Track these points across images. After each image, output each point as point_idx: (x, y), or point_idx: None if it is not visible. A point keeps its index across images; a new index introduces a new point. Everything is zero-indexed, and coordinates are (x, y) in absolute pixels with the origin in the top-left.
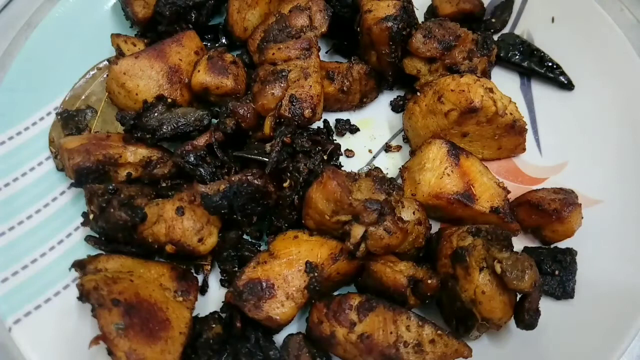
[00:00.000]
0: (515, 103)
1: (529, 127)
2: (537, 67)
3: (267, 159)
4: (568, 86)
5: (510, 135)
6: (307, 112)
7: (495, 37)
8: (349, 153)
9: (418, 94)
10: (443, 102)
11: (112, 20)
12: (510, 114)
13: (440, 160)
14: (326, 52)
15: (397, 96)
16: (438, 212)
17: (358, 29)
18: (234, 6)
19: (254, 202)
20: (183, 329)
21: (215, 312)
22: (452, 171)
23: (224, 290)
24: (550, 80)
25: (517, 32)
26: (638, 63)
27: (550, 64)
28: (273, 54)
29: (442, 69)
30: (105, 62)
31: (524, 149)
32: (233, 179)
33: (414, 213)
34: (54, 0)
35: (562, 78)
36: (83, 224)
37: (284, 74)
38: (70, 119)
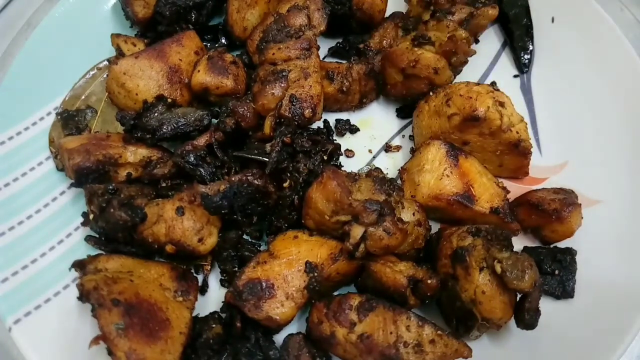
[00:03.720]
0: (526, 123)
1: (529, 126)
2: (513, 37)
3: (267, 159)
4: (521, 68)
5: (514, 154)
6: (307, 112)
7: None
8: (349, 153)
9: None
10: (449, 105)
11: (112, 20)
12: (517, 132)
13: (439, 161)
14: (323, 58)
15: (404, 104)
16: (438, 213)
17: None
18: (233, 6)
19: (254, 202)
20: (183, 329)
21: (215, 312)
22: (451, 172)
23: (224, 290)
24: (513, 55)
25: None
26: (638, 63)
27: (526, 44)
28: (273, 54)
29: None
30: (105, 62)
31: (527, 173)
32: (233, 179)
33: (413, 214)
34: (53, 0)
35: (524, 57)
36: (83, 224)
37: (284, 74)
38: (70, 119)
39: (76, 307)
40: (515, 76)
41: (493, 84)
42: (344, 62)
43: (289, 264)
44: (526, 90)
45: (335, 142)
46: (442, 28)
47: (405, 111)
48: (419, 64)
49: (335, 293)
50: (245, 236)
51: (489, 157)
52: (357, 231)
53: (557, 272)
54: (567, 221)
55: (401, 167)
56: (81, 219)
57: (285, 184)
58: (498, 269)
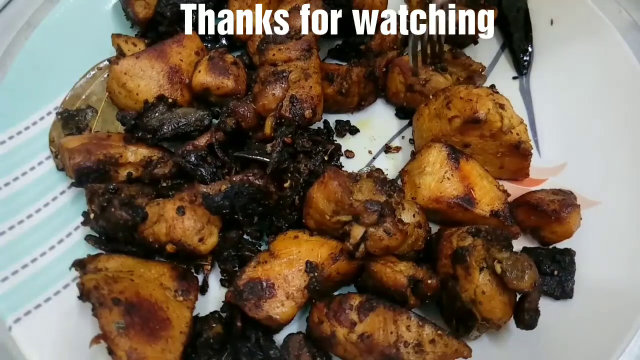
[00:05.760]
0: (525, 125)
1: (528, 128)
2: (512, 39)
3: (268, 160)
4: (520, 69)
5: (514, 156)
6: (308, 113)
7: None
8: (349, 154)
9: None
10: (450, 107)
11: (113, 20)
12: (517, 134)
13: (440, 163)
14: (323, 59)
15: (405, 102)
16: (438, 216)
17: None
18: (234, 7)
19: (255, 202)
20: (183, 328)
21: (215, 311)
22: (452, 175)
23: (224, 290)
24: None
25: None
26: (636, 65)
27: (525, 46)
28: (274, 54)
29: None
30: (106, 62)
31: (527, 175)
32: (234, 179)
33: (414, 215)
34: (54, 0)
35: (524, 59)
36: (83, 223)
37: (284, 74)
38: (70, 119)
39: (76, 306)
40: (514, 78)
41: (492, 86)
42: (343, 63)
43: (290, 264)
44: (525, 92)
45: (335, 142)
46: (459, 64)
47: (404, 111)
48: (429, 85)
49: (336, 293)
50: (245, 236)
51: (490, 159)
52: (357, 231)
53: (556, 272)
54: (566, 222)
55: (402, 169)
56: (81, 219)
57: (286, 184)
58: (498, 269)
